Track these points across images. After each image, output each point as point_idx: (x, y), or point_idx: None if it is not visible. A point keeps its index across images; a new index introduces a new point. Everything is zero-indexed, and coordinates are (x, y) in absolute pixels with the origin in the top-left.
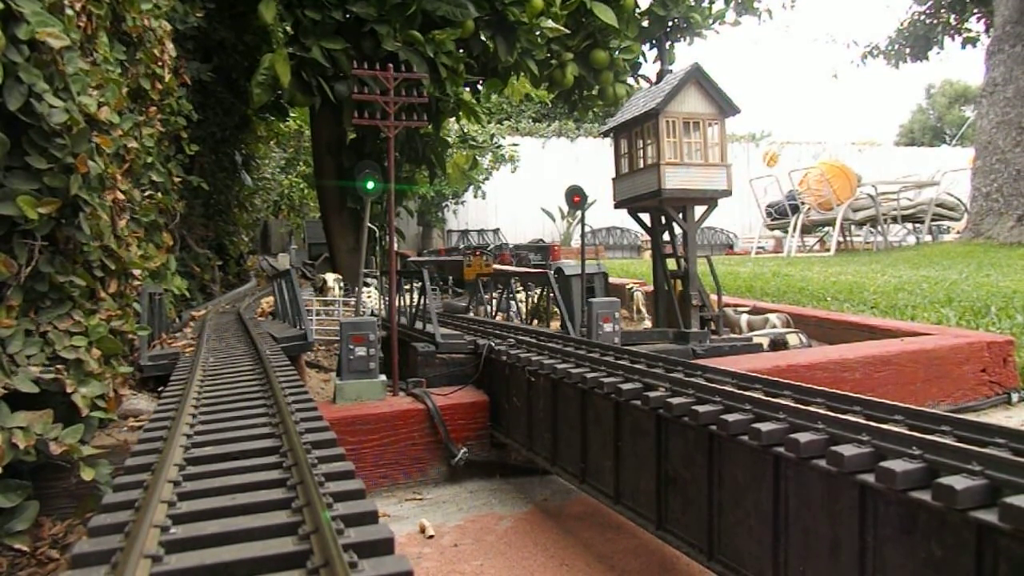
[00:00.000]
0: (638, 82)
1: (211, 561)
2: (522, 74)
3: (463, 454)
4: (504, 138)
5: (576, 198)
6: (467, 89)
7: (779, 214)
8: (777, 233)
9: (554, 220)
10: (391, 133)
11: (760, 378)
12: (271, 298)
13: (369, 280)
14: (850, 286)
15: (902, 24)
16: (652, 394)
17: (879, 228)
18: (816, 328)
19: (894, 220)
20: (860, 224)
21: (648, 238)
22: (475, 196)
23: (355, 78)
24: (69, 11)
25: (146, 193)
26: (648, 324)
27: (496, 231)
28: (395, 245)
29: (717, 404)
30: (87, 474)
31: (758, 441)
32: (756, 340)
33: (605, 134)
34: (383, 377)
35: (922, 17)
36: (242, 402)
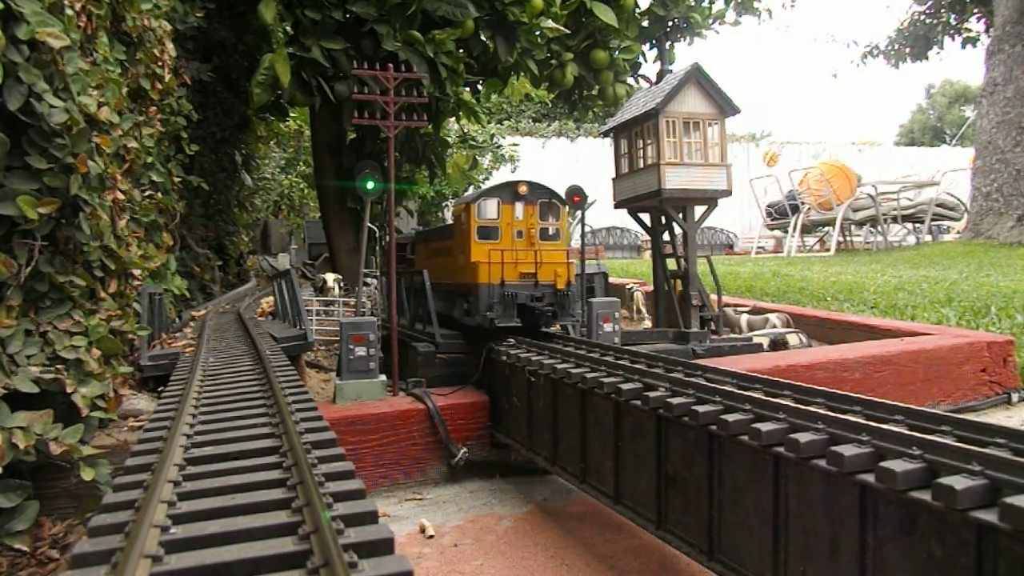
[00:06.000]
0: (638, 82)
1: (211, 561)
2: (522, 74)
3: (463, 454)
4: (504, 138)
5: (576, 198)
6: (467, 89)
7: (779, 214)
8: (777, 233)
9: None
10: (391, 133)
11: (760, 378)
12: (271, 298)
13: (369, 280)
14: (850, 286)
15: (902, 24)
16: (652, 394)
17: (879, 228)
18: (816, 328)
19: (894, 220)
20: (860, 224)
21: (648, 238)
22: None
23: (355, 78)
24: (69, 11)
25: (146, 193)
26: (648, 324)
27: None
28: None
29: (717, 404)
30: (87, 474)
31: (758, 441)
32: (756, 340)
33: (605, 134)
34: (383, 377)
35: (922, 17)
36: (242, 402)
